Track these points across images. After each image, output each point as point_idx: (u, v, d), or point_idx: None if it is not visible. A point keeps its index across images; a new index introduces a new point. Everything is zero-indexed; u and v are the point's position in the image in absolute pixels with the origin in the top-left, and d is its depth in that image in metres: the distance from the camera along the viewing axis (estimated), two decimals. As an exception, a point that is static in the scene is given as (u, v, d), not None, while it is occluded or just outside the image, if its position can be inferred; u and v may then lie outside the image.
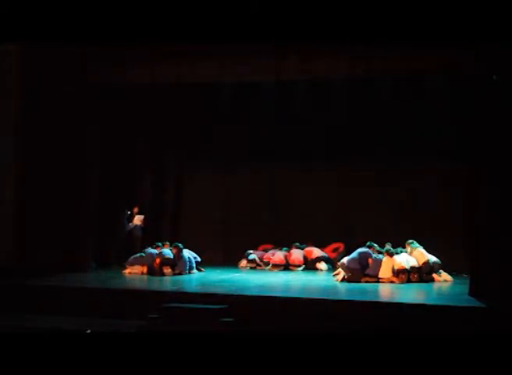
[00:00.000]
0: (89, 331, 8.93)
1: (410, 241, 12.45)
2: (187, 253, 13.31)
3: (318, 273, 13.66)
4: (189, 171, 15.69)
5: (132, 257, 13.50)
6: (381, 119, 13.70)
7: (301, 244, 14.36)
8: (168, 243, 13.60)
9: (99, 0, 9.10)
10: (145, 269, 13.11)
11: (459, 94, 11.87)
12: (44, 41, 10.55)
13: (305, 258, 14.10)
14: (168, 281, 12.32)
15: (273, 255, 14.27)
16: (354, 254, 12.10)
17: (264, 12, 9.24)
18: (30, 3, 9.03)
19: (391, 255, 11.94)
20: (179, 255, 13.08)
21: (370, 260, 11.92)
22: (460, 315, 9.34)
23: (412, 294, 10.91)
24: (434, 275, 12.04)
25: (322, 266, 13.97)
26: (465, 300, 10.07)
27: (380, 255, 12.00)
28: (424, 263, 11.97)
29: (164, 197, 15.78)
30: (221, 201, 15.44)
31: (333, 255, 14.12)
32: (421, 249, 12.26)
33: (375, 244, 12.25)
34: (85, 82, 12.72)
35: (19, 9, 8.96)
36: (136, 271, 13.16)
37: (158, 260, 12.98)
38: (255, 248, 14.78)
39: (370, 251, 12.13)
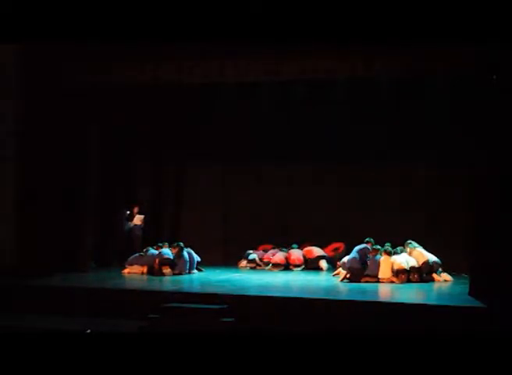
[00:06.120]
0: (89, 331, 8.92)
1: (409, 241, 12.49)
2: (188, 253, 13.31)
3: (319, 272, 13.66)
4: (189, 171, 15.70)
5: (132, 257, 13.52)
6: (381, 119, 13.71)
7: (299, 244, 14.38)
8: (167, 243, 13.60)
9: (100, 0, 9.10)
10: (145, 269, 13.12)
11: (459, 94, 11.86)
12: (44, 41, 10.57)
13: (305, 257, 14.12)
14: (168, 281, 12.32)
15: (273, 255, 14.28)
16: (354, 253, 12.13)
17: (265, 12, 9.24)
18: (30, 3, 9.03)
19: (389, 254, 11.96)
20: (179, 255, 13.08)
21: (368, 254, 11.99)
22: (460, 315, 9.34)
23: (412, 294, 10.91)
24: (434, 275, 12.05)
25: (323, 264, 13.98)
26: (465, 300, 10.07)
27: (378, 256, 12.01)
28: (424, 263, 11.98)
29: (164, 197, 15.79)
30: (221, 201, 15.46)
31: (333, 255, 14.13)
32: (420, 249, 12.27)
33: (373, 240, 12.29)
34: (85, 82, 12.71)
35: (20, 9, 8.96)
36: (135, 271, 13.17)
37: (157, 260, 12.98)
38: (255, 248, 14.80)
39: (367, 246, 12.17)
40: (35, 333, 8.44)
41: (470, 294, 10.40)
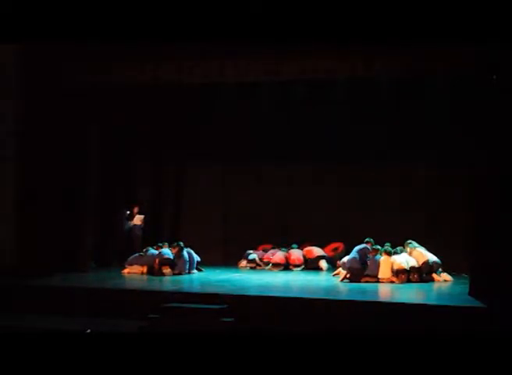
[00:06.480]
0: (89, 331, 8.93)
1: (409, 241, 12.49)
2: (188, 252, 13.30)
3: (319, 272, 13.66)
4: (189, 171, 15.70)
5: (131, 257, 13.52)
6: (381, 119, 13.71)
7: (299, 244, 14.38)
8: (167, 243, 13.60)
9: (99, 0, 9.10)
10: (145, 269, 13.12)
11: (459, 94, 11.87)
12: (44, 41, 10.57)
13: (305, 257, 14.12)
14: (168, 281, 12.31)
15: (273, 255, 14.28)
16: (353, 253, 12.12)
17: (265, 12, 9.24)
18: (30, 3, 9.03)
19: (389, 254, 11.96)
20: (179, 255, 13.08)
21: (368, 254, 11.99)
22: (460, 315, 9.34)
23: (412, 294, 10.91)
24: (434, 275, 12.05)
25: (323, 264, 13.97)
26: (465, 300, 10.07)
27: (378, 256, 12.01)
28: (424, 263, 11.98)
29: (164, 197, 15.79)
30: (221, 201, 15.46)
31: (333, 255, 14.13)
32: (420, 249, 12.27)
33: (373, 240, 12.29)
34: (85, 82, 12.71)
35: (20, 9, 8.96)
36: (135, 271, 13.17)
37: (157, 260, 12.98)
38: (255, 248, 14.80)
39: (367, 246, 12.17)
40: (35, 333, 8.44)
41: (470, 294, 10.39)
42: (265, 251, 14.67)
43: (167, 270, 12.86)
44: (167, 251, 13.16)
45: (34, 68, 12.48)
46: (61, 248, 12.81)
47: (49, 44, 11.58)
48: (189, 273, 13.17)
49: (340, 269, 12.54)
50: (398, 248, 12.27)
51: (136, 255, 13.56)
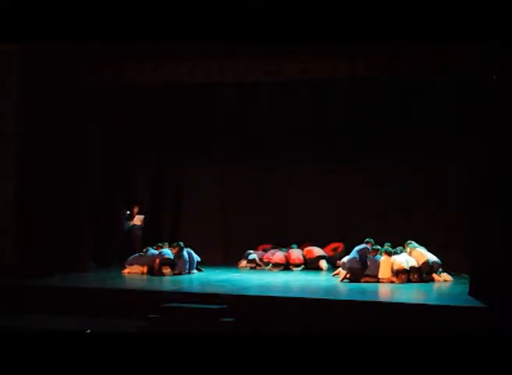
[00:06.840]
0: (89, 331, 8.93)
1: (409, 241, 12.48)
2: (188, 252, 13.30)
3: (319, 272, 13.66)
4: (189, 171, 15.70)
5: (131, 257, 13.52)
6: (381, 119, 13.70)
7: (299, 244, 14.38)
8: (167, 243, 13.60)
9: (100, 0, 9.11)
10: (145, 269, 13.12)
11: (459, 94, 11.87)
12: (44, 41, 10.57)
13: (305, 257, 14.12)
14: (168, 281, 12.31)
15: (273, 255, 14.27)
16: (353, 253, 12.12)
17: (265, 12, 9.25)
18: (30, 3, 9.04)
19: (389, 254, 11.96)
20: (179, 255, 13.08)
21: (368, 254, 11.99)
22: (460, 315, 9.34)
23: (412, 294, 10.91)
24: (434, 275, 12.05)
25: (323, 264, 13.97)
26: (465, 300, 10.07)
27: (378, 256, 12.01)
28: (424, 263, 11.98)
29: (164, 197, 15.79)
30: (221, 201, 15.45)
31: (333, 255, 14.13)
32: (420, 249, 12.27)
33: (373, 240, 12.29)
34: (85, 82, 12.73)
35: (20, 9, 8.97)
36: (135, 271, 13.17)
37: (157, 260, 12.98)
38: (255, 248, 14.80)
39: (367, 246, 12.17)
40: (35, 333, 8.44)
41: (470, 294, 10.39)
42: (265, 251, 14.66)
43: (167, 270, 12.86)
44: (167, 251, 13.16)
45: (34, 68, 12.49)
46: (61, 248, 12.80)
47: (49, 44, 11.59)
48: (189, 273, 13.16)
49: (340, 269, 12.54)
50: (398, 248, 12.27)
51: (136, 255, 13.56)
